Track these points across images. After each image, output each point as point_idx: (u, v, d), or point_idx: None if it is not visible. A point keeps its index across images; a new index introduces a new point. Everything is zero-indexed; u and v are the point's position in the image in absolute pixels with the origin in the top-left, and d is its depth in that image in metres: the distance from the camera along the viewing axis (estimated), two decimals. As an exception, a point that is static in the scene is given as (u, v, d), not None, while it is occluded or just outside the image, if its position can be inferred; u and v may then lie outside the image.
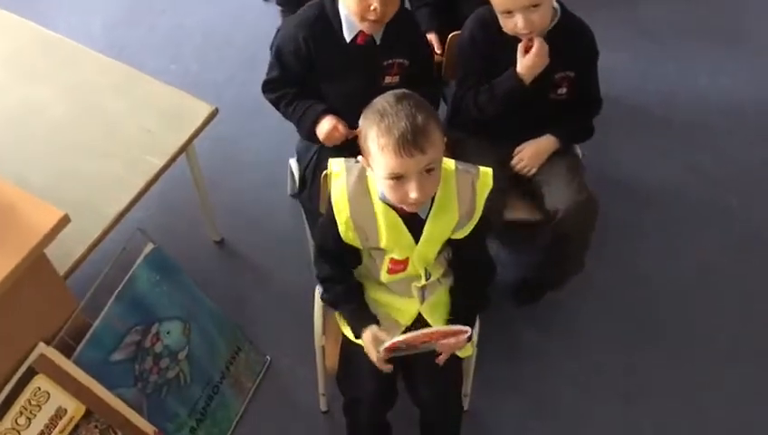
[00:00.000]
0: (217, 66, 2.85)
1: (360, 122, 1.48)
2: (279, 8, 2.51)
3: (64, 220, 1.43)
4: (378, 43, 1.86)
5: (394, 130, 1.39)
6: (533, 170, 2.00)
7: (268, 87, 1.96)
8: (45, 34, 2.13)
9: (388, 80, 1.92)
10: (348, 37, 1.84)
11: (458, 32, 2.04)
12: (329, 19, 1.84)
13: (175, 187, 2.35)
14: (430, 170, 1.43)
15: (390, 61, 1.89)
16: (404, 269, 1.65)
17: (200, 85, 2.71)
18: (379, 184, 1.50)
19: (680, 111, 2.78)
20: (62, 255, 1.63)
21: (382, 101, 1.45)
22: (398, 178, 1.43)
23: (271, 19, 2.74)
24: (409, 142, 1.38)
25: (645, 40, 2.99)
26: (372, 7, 1.73)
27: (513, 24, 1.82)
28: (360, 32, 1.83)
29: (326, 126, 1.86)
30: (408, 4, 2.35)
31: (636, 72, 2.88)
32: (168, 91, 1.98)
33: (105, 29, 2.99)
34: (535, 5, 1.79)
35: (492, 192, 1.59)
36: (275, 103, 1.97)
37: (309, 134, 1.91)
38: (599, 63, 1.99)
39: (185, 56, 2.89)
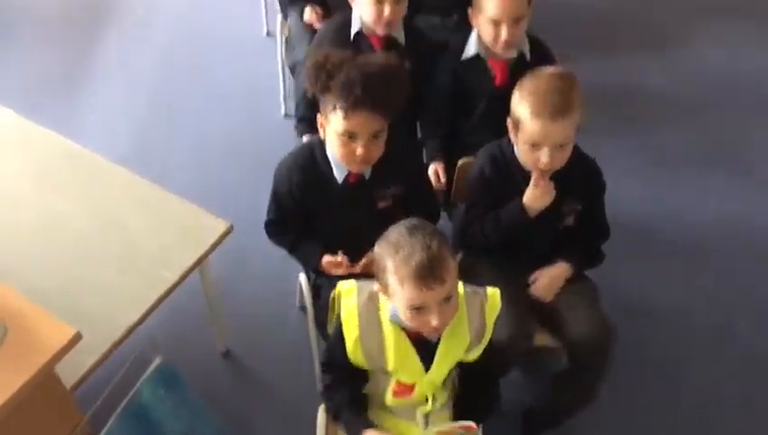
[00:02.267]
0: (235, 175, 2.95)
1: (375, 253, 1.53)
2: (296, 124, 2.63)
3: (76, 338, 1.46)
4: (368, 178, 1.94)
5: (411, 262, 1.43)
6: (550, 298, 2.02)
7: (270, 229, 2.07)
8: (71, 148, 2.23)
9: (381, 205, 1.98)
10: (339, 178, 1.92)
11: (468, 159, 2.12)
12: (319, 161, 1.92)
13: (186, 294, 2.37)
14: (449, 298, 1.46)
15: (382, 193, 1.97)
16: (410, 393, 1.65)
17: (217, 193, 2.79)
18: (399, 312, 1.53)
19: (688, 236, 2.82)
20: (71, 366, 1.64)
21: (396, 234, 1.49)
22: (418, 308, 1.46)
23: (289, 132, 2.87)
24: (428, 274, 1.42)
25: (654, 166, 3.07)
26: (357, 152, 1.81)
27: (537, 158, 1.87)
28: (351, 171, 1.91)
29: (327, 267, 1.94)
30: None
31: (645, 197, 2.94)
32: (185, 208, 2.05)
33: (129, 135, 3.12)
34: (563, 145, 1.86)
35: (515, 317, 1.60)
36: (279, 245, 2.07)
37: (315, 272, 2.00)
38: (609, 188, 2.04)
39: (204, 163, 3.00)
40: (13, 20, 3.71)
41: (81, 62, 3.47)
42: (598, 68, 3.42)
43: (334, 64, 1.79)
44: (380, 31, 2.31)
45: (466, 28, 2.38)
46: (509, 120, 1.92)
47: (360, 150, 1.81)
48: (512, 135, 1.93)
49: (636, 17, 3.77)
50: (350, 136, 1.80)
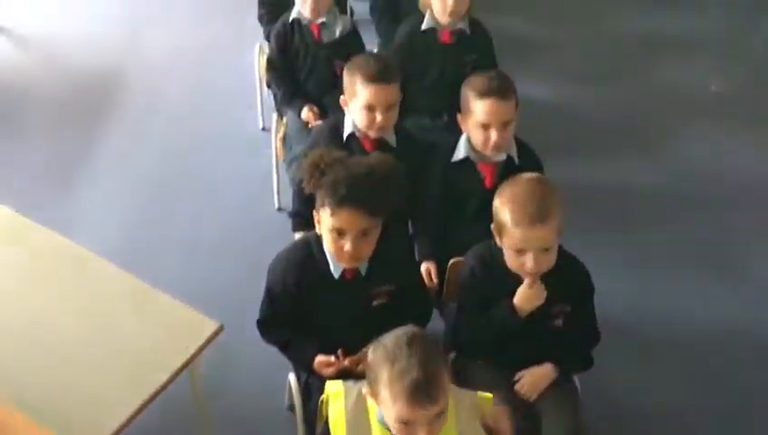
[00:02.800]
0: (226, 272, 2.95)
1: (370, 358, 1.53)
2: (291, 219, 2.67)
3: (59, 448, 1.43)
4: (364, 274, 1.96)
5: (406, 380, 1.42)
6: (534, 397, 2.02)
7: (263, 327, 2.08)
8: (63, 244, 2.24)
9: (377, 302, 2.00)
10: (336, 274, 1.94)
11: (459, 258, 2.14)
12: (316, 258, 1.95)
13: (174, 392, 2.35)
14: (440, 414, 1.46)
15: (378, 290, 1.99)
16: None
17: (207, 290, 2.78)
18: (387, 420, 1.52)
19: (677, 335, 2.82)
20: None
21: (393, 343, 1.48)
22: (407, 423, 1.46)
23: (282, 226, 2.90)
24: (423, 394, 1.42)
25: (642, 264, 3.09)
26: (345, 249, 1.85)
27: (522, 262, 1.91)
28: (346, 267, 1.93)
29: (319, 367, 1.94)
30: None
31: (634, 295, 2.95)
32: (175, 306, 2.05)
33: (122, 229, 3.13)
34: (547, 249, 1.89)
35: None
36: (272, 343, 2.08)
37: (307, 373, 2.00)
38: (597, 286, 2.06)
39: (195, 260, 3.01)
40: (12, 112, 3.78)
41: (79, 154, 3.52)
42: (583, 168, 3.49)
43: (327, 163, 1.87)
44: (372, 135, 2.38)
45: (456, 129, 2.47)
46: (493, 226, 1.96)
47: (347, 247, 1.85)
48: (497, 239, 1.97)
49: (619, 118, 3.87)
50: (338, 233, 1.85)
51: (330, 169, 1.86)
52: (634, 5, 4.78)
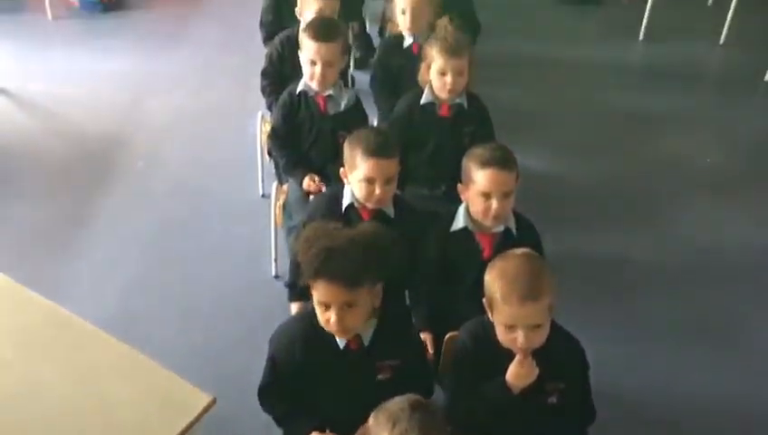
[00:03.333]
0: (222, 340, 2.92)
1: (370, 423, 1.50)
2: (287, 289, 2.66)
3: None
4: (367, 344, 1.94)
5: None
6: None
7: (264, 395, 2.04)
8: (57, 312, 2.20)
9: (380, 377, 1.97)
10: (340, 344, 1.92)
11: (455, 332, 2.12)
12: (318, 329, 1.93)
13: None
14: None
15: (382, 363, 1.96)
16: None
17: (203, 358, 2.76)
18: None
19: (672, 409, 2.77)
20: None
21: (397, 408, 1.48)
22: None
23: (278, 294, 2.88)
24: None
25: (641, 337, 3.06)
26: (330, 321, 1.84)
27: (513, 338, 1.89)
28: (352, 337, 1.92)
29: None
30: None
31: (632, 368, 2.91)
32: (169, 377, 2.00)
33: (118, 295, 3.11)
34: (538, 326, 1.88)
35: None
36: (269, 412, 2.04)
37: None
38: (595, 358, 2.04)
39: (191, 328, 2.97)
40: (13, 174, 3.81)
41: (78, 218, 3.52)
42: (582, 239, 3.50)
43: (317, 236, 1.87)
44: (371, 206, 2.39)
45: (454, 200, 2.48)
46: (484, 300, 1.95)
47: (332, 319, 1.85)
48: (489, 314, 1.96)
49: (618, 190, 3.90)
50: (324, 306, 1.86)
51: (316, 241, 1.86)
52: (621, 83, 4.91)
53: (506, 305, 1.85)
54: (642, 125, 4.45)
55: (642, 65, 5.28)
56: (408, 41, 3.35)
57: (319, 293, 1.84)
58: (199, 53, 4.97)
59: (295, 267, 2.46)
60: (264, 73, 3.48)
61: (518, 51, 5.09)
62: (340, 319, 1.84)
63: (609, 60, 5.14)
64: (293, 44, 3.20)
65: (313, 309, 1.95)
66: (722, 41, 5.31)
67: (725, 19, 5.24)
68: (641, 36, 5.33)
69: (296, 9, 3.43)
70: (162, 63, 4.82)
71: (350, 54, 4.25)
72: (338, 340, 1.92)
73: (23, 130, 4.16)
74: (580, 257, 3.35)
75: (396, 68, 3.38)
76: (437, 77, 2.87)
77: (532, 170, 3.73)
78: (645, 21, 5.29)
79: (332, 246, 1.82)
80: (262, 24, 3.92)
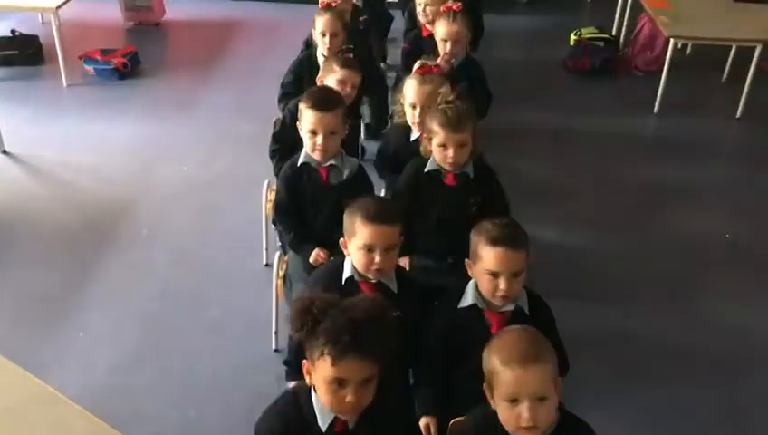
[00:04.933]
0: (218, 418, 2.78)
1: None
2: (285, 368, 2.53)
3: None
4: (351, 427, 1.80)
5: None
6: None
7: None
8: (44, 391, 2.11)
9: None
10: (323, 426, 1.79)
11: (460, 418, 1.98)
12: (303, 409, 1.81)
13: None
14: None
15: None
16: None
17: (195, 436, 2.62)
18: None
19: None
20: None
21: None
22: None
23: (278, 370, 2.75)
24: None
25: (661, 426, 2.88)
26: (347, 399, 1.71)
27: (517, 415, 1.74)
28: (335, 419, 1.78)
29: None
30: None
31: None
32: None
33: (112, 369, 2.99)
34: (542, 399, 1.73)
35: None
36: None
37: None
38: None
39: (186, 404, 2.84)
40: (13, 240, 3.76)
41: (75, 286, 3.44)
42: (599, 319, 3.34)
43: (320, 309, 1.75)
44: (372, 278, 2.28)
45: (461, 273, 2.36)
46: (485, 384, 1.82)
47: (349, 398, 1.70)
48: (489, 399, 1.82)
49: (635, 267, 3.76)
50: (339, 383, 1.71)
51: (324, 315, 1.74)
52: (636, 156, 4.85)
53: (507, 371, 1.73)
54: (658, 199, 4.34)
55: (657, 138, 5.21)
56: (415, 134, 3.23)
57: (341, 370, 1.68)
58: (212, 120, 4.98)
59: (294, 344, 2.36)
60: (276, 137, 3.43)
61: (531, 122, 5.06)
62: (358, 397, 1.70)
63: (623, 132, 5.08)
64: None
65: (301, 389, 1.83)
66: (738, 114, 5.24)
67: (741, 94, 5.18)
68: (656, 109, 5.28)
69: (317, 77, 3.41)
70: (175, 131, 4.83)
71: (360, 124, 4.24)
72: (320, 422, 1.78)
73: (29, 196, 4.13)
74: (596, 339, 3.19)
75: (402, 156, 3.27)
76: (439, 150, 2.79)
77: (545, 244, 3.64)
78: (659, 94, 5.24)
79: (356, 320, 1.70)
80: (282, 84, 3.91)
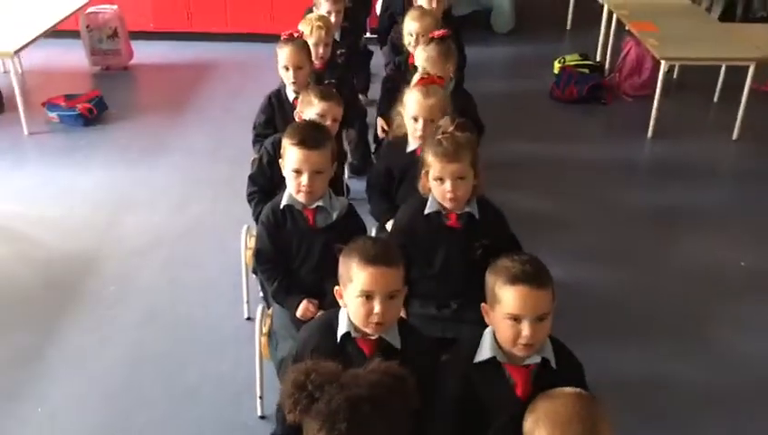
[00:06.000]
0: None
1: None
2: None
3: None
4: None
5: None
6: None
7: None
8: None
9: None
10: None
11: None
12: None
13: None
14: None
15: None
16: None
17: None
18: None
19: None
20: None
21: None
22: None
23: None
24: None
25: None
26: None
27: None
28: None
29: None
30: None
31: None
32: None
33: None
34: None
35: None
36: None
37: None
38: None
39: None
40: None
41: (35, 355, 3.07)
42: (606, 356, 3.02)
43: (316, 385, 1.48)
44: (371, 332, 1.97)
45: (469, 321, 2.11)
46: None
47: None
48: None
49: (643, 300, 3.49)
50: None
51: (319, 391, 1.46)
52: (635, 182, 4.64)
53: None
54: (662, 226, 4.09)
55: (654, 164, 4.99)
56: (412, 145, 3.01)
57: None
58: (183, 164, 4.66)
59: (281, 419, 2.04)
60: (252, 179, 3.13)
61: (521, 153, 4.82)
62: None
63: (618, 159, 4.85)
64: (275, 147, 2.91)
65: None
66: (735, 136, 5.05)
67: (734, 115, 5.00)
68: (650, 134, 5.07)
69: (295, 112, 3.13)
70: (143, 177, 4.51)
71: (345, 161, 3.96)
72: None
73: (-18, 255, 3.77)
74: (612, 380, 2.88)
75: (397, 171, 3.03)
76: (436, 184, 2.50)
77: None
78: (652, 118, 5.04)
79: (357, 399, 1.45)
80: (254, 126, 3.63)
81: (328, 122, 2.97)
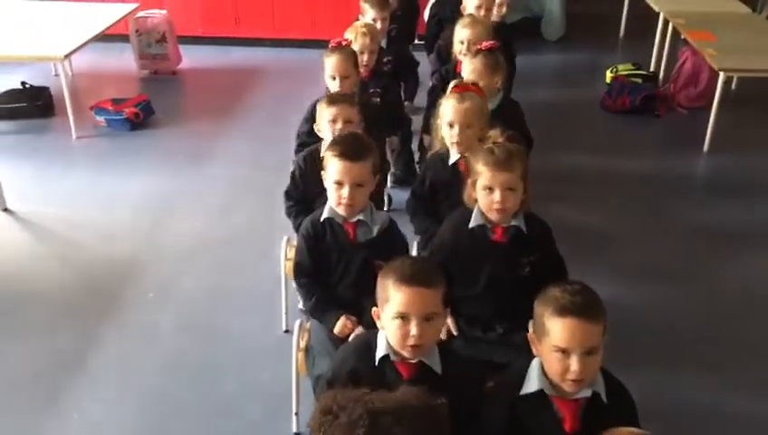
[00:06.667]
0: None
1: None
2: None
3: None
4: None
5: None
6: None
7: None
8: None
9: None
10: None
11: None
12: None
13: None
14: None
15: None
16: None
17: None
18: None
19: None
20: None
21: None
22: None
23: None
24: None
25: None
26: None
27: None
28: None
29: None
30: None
31: None
32: None
33: None
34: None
35: None
36: None
37: None
38: None
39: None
40: (10, 305, 3.40)
41: (74, 359, 3.06)
42: (650, 386, 2.81)
43: (341, 406, 1.43)
44: (409, 356, 1.88)
45: (513, 344, 2.05)
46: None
47: None
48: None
49: (690, 325, 3.32)
50: None
51: (342, 410, 1.42)
52: (690, 197, 4.43)
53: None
54: (718, 245, 3.91)
55: (710, 179, 4.79)
56: (453, 157, 2.93)
57: None
58: (227, 170, 4.65)
59: None
60: (288, 194, 3.09)
61: (572, 164, 4.68)
62: None
63: (673, 174, 4.66)
64: (316, 160, 2.86)
65: None
66: (796, 151, 4.82)
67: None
68: (706, 148, 4.87)
69: (314, 125, 3.08)
70: (188, 183, 4.50)
71: (387, 172, 3.89)
72: None
73: (28, 257, 3.79)
74: (663, 410, 2.73)
75: (440, 186, 2.95)
76: (484, 194, 2.40)
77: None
78: (709, 131, 4.84)
79: (377, 412, 1.40)
80: (297, 135, 3.59)
81: (339, 126, 2.91)
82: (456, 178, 2.84)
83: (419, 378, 1.88)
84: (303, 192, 3.01)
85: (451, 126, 2.86)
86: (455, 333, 2.43)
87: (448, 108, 2.88)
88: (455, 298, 2.32)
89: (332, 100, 3.00)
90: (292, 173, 3.09)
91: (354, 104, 3.01)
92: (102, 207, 4.23)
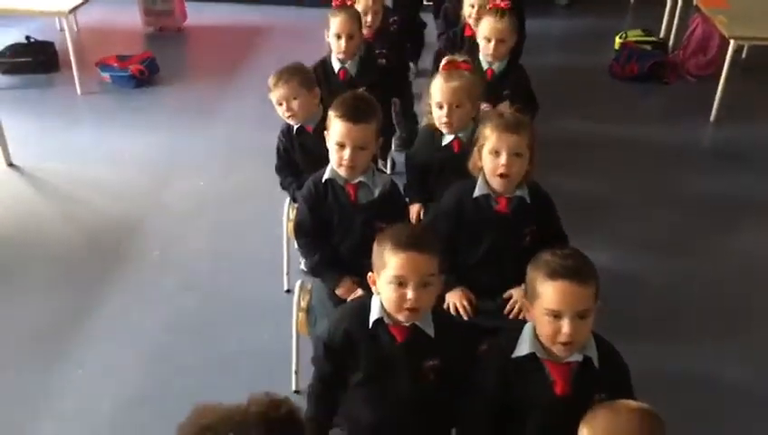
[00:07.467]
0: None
1: None
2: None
3: None
4: None
5: None
6: None
7: None
8: None
9: None
10: None
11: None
12: None
13: None
14: None
15: None
16: None
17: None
18: None
19: None
20: None
21: None
22: None
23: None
24: None
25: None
26: None
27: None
28: None
29: None
30: None
31: None
32: None
33: (111, 412, 2.68)
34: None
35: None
36: None
37: None
38: None
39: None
40: (14, 262, 3.44)
41: (76, 318, 3.10)
42: (654, 355, 2.88)
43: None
44: (404, 319, 1.91)
45: (509, 314, 2.03)
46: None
47: None
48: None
49: (695, 294, 3.34)
50: None
51: None
52: (695, 167, 4.41)
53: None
54: (723, 215, 3.90)
55: (716, 149, 4.76)
56: (448, 137, 2.88)
57: None
58: (232, 130, 4.64)
59: (315, 393, 2.04)
60: (278, 169, 3.13)
61: (578, 131, 4.65)
62: None
63: (678, 142, 4.64)
64: (291, 133, 3.00)
65: None
66: (806, 121, 4.78)
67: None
68: (713, 117, 4.84)
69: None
70: (192, 141, 4.50)
71: (392, 134, 3.88)
72: None
73: (32, 213, 3.81)
74: (666, 377, 2.77)
75: (435, 165, 2.92)
76: (490, 158, 2.37)
77: (597, 269, 3.21)
78: (717, 100, 4.80)
79: None
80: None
81: (294, 108, 2.96)
82: (450, 159, 2.80)
83: (412, 341, 1.91)
84: (290, 164, 3.04)
85: (440, 106, 2.80)
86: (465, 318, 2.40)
87: (436, 88, 2.81)
88: (455, 264, 2.35)
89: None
90: (277, 149, 3.11)
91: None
92: (106, 164, 4.24)
